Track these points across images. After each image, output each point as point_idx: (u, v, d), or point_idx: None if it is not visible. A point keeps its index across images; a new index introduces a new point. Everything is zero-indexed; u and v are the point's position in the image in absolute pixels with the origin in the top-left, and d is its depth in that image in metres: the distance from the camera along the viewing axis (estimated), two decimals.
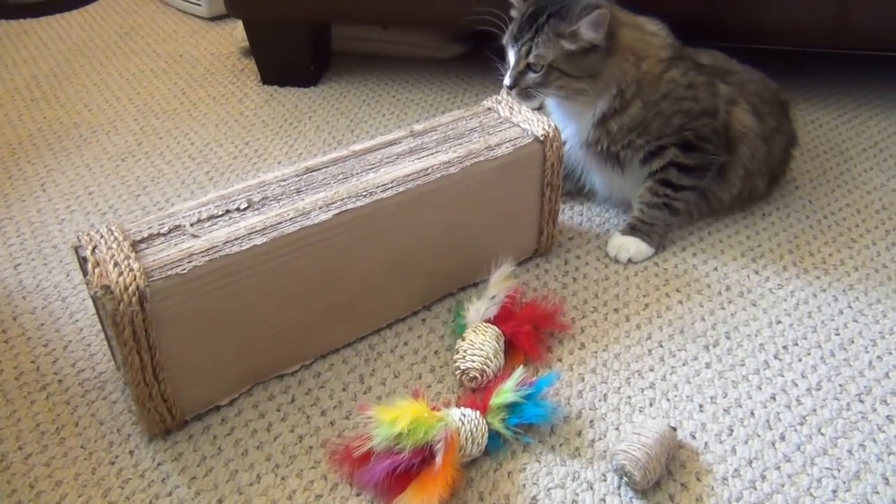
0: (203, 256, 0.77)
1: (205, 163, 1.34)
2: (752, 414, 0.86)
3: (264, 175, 0.91)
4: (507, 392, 0.81)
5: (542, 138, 0.98)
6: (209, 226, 0.82)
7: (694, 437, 0.83)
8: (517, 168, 0.98)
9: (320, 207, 0.85)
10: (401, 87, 1.61)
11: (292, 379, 0.91)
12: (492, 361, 0.88)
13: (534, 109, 1.04)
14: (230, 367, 0.85)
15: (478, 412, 0.80)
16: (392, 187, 0.88)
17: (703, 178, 1.09)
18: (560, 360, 0.93)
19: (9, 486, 0.78)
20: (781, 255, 1.11)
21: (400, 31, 1.69)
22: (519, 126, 1.00)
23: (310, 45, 1.57)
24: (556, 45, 0.99)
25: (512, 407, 0.81)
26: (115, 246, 0.77)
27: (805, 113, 1.48)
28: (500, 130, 1.00)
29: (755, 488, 0.78)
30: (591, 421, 0.85)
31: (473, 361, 0.87)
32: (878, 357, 0.93)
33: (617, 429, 0.84)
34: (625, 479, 0.77)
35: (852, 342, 0.96)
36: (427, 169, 0.91)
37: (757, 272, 1.08)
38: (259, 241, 0.80)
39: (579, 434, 0.84)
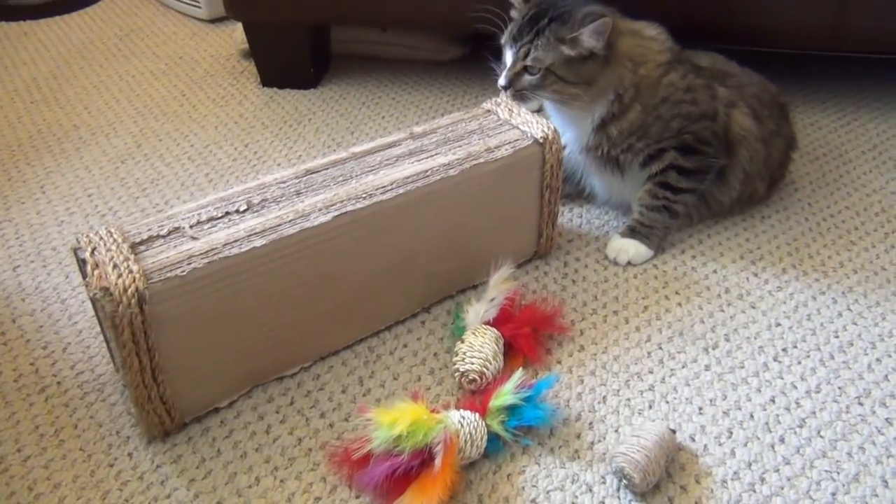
0: (202, 258, 0.77)
1: (204, 165, 1.34)
2: (752, 416, 0.86)
3: (264, 177, 0.91)
4: (506, 394, 0.81)
5: (541, 140, 0.98)
6: (208, 228, 0.82)
7: (693, 440, 0.83)
8: (517, 170, 0.98)
9: (320, 209, 0.85)
10: (400, 90, 1.61)
11: (291, 381, 0.91)
12: (491, 364, 0.88)
13: (533, 112, 1.04)
14: (229, 369, 0.85)
15: (477, 414, 0.80)
16: (392, 189, 0.88)
17: (702, 181, 1.09)
18: (559, 362, 0.93)
19: (7, 488, 0.78)
20: (781, 257, 1.11)
21: (399, 33, 1.70)
22: (518, 128, 1.00)
23: (309, 48, 1.57)
24: (555, 50, 0.99)
25: (511, 409, 0.81)
26: (114, 248, 0.77)
27: (804, 116, 1.48)
28: (500, 133, 1.00)
29: (754, 491, 0.78)
30: (591, 423, 0.85)
31: (473, 364, 0.87)
32: (878, 360, 0.93)
33: (616, 431, 0.84)
34: (624, 481, 0.77)
35: (852, 345, 0.96)
36: (427, 171, 0.91)
37: (756, 275, 1.08)
38: (258, 243, 0.80)
39: (578, 436, 0.83)
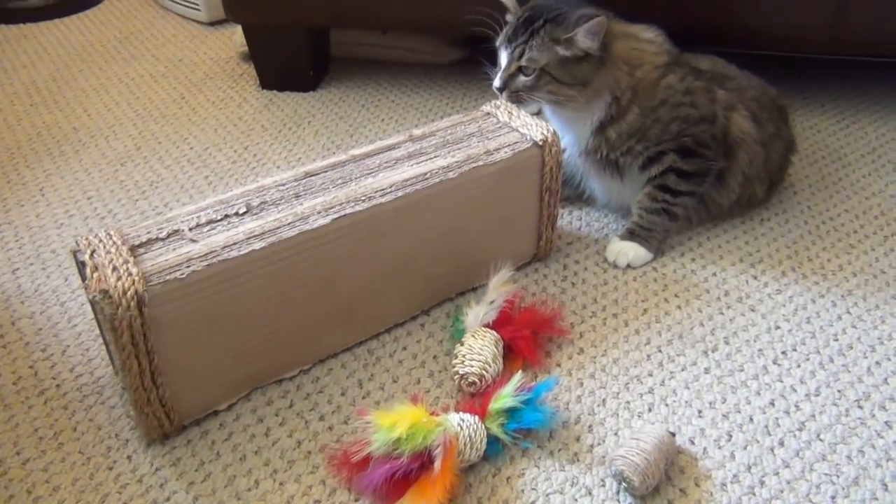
0: (202, 261, 0.77)
1: (204, 167, 1.35)
2: (751, 419, 0.86)
3: (263, 180, 0.91)
4: (505, 397, 0.81)
5: (540, 143, 0.98)
6: (208, 230, 0.82)
7: (693, 443, 0.83)
8: (516, 173, 0.98)
9: (319, 212, 0.85)
10: (400, 92, 1.61)
11: (291, 384, 0.90)
12: (490, 366, 0.87)
13: (532, 114, 1.04)
14: (229, 371, 0.85)
15: (476, 417, 0.80)
16: (391, 192, 0.88)
17: (701, 184, 1.09)
18: (559, 365, 0.93)
19: (6, 491, 0.78)
20: (780, 260, 1.11)
21: (399, 36, 1.70)
22: (518, 131, 1.00)
23: (309, 50, 1.58)
24: (550, 50, 0.99)
25: (511, 412, 0.81)
26: (113, 250, 0.77)
27: (804, 118, 1.48)
28: (499, 135, 1.00)
29: (754, 494, 0.78)
30: (590, 426, 0.85)
31: (472, 366, 0.87)
32: (877, 363, 0.93)
33: (616, 434, 0.84)
34: (623, 484, 0.77)
35: (851, 348, 0.96)
36: (426, 174, 0.91)
37: (755, 277, 1.08)
38: (258, 245, 0.80)
39: (578, 439, 0.83)
